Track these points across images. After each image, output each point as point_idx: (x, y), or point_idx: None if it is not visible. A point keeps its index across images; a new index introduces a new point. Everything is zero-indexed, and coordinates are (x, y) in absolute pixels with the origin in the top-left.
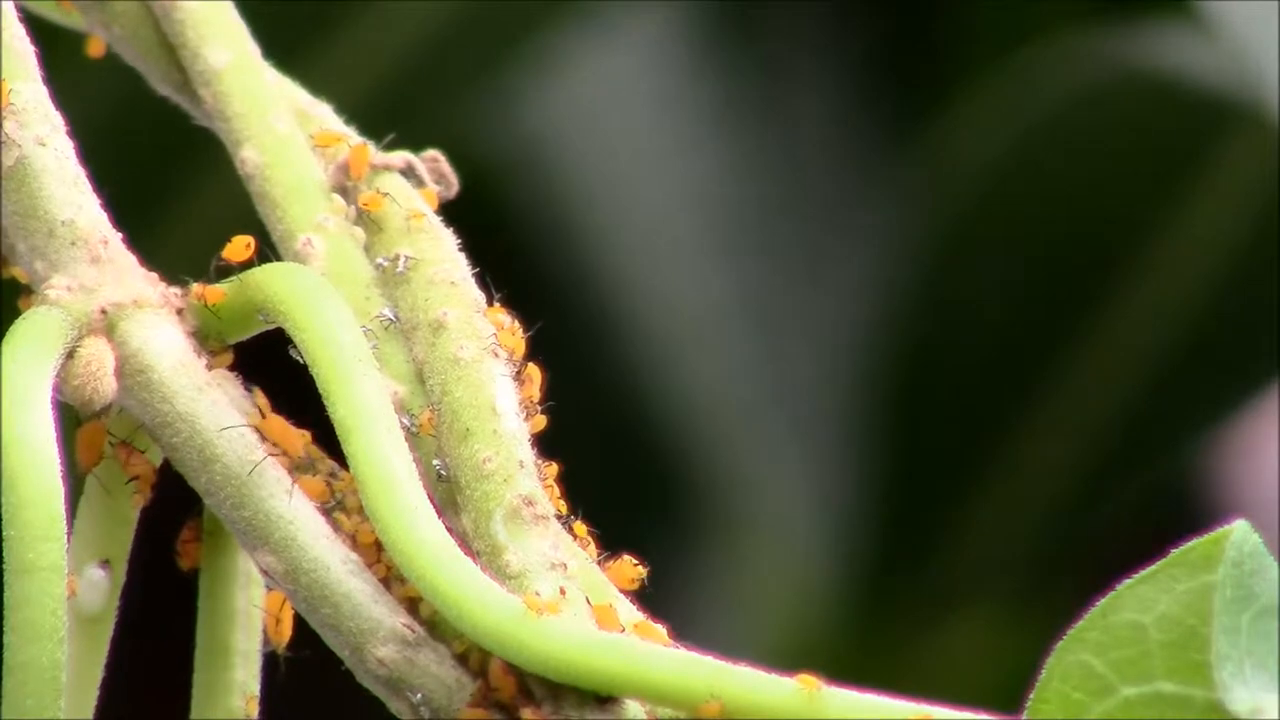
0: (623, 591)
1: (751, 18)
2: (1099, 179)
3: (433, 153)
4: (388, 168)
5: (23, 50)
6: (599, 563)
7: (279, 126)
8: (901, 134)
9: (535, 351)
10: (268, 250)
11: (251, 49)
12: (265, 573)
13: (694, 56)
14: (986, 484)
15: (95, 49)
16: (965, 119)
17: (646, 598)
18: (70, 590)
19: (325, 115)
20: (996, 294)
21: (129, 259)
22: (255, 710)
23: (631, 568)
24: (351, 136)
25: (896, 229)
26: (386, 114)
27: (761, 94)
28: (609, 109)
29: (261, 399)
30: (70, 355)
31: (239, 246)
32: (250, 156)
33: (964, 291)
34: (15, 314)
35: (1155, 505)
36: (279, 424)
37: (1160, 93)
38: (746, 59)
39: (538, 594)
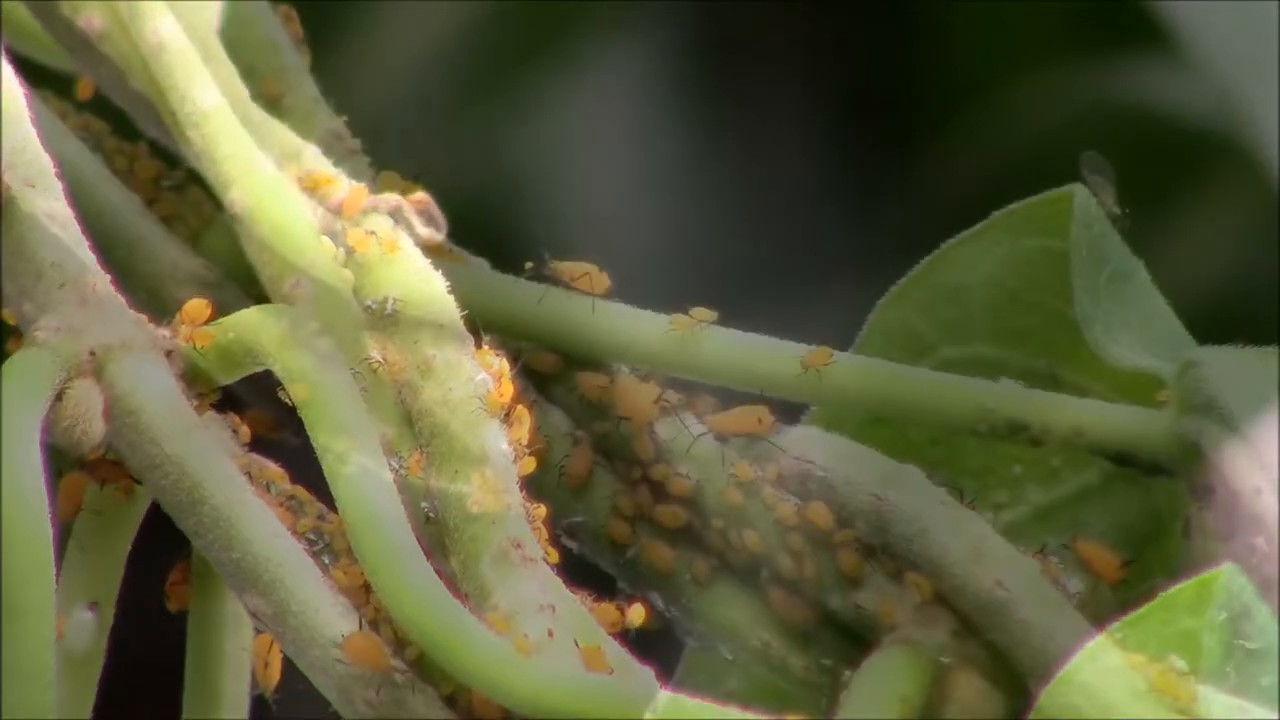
0: (610, 633)
1: (730, 57)
2: None
3: (420, 195)
4: (376, 209)
5: (12, 93)
6: (588, 604)
7: (267, 168)
8: (882, 169)
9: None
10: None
11: (240, 90)
12: (253, 615)
13: (672, 96)
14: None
15: (84, 91)
16: (947, 153)
17: (633, 638)
18: (58, 632)
19: (313, 157)
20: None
21: (118, 301)
22: None
23: (615, 611)
24: (340, 177)
25: (878, 264)
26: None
27: (740, 132)
28: (588, 147)
29: (244, 431)
30: (59, 397)
31: (197, 309)
32: (239, 198)
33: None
34: (3, 356)
35: None
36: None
37: (1143, 127)
38: (724, 98)
39: (526, 636)
